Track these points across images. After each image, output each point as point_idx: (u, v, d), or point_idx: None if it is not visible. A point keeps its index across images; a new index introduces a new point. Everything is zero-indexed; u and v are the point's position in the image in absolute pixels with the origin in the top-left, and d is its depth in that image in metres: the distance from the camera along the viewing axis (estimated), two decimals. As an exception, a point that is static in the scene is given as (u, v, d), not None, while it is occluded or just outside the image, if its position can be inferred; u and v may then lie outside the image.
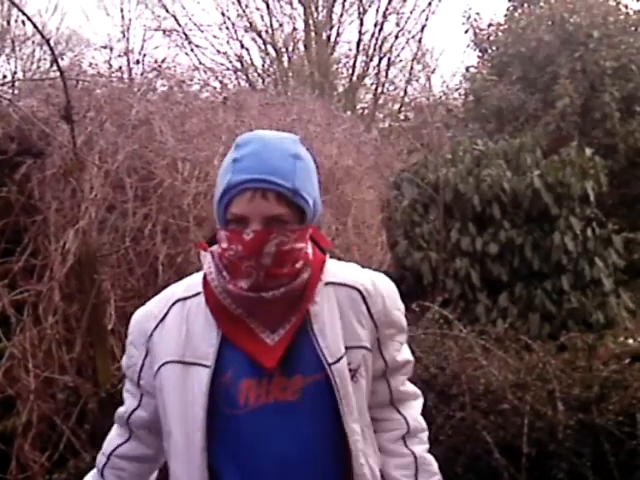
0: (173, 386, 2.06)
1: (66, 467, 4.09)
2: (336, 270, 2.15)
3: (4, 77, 5.69)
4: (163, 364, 2.07)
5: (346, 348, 2.07)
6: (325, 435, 2.07)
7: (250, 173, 1.96)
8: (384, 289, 2.19)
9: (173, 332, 2.08)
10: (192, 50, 19.36)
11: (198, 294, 2.10)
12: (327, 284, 2.10)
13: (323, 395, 2.05)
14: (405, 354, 2.28)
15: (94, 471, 2.31)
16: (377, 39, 18.82)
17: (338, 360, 2.05)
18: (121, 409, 2.26)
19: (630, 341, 6.22)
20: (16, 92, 5.54)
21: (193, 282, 2.15)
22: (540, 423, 4.34)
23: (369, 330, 2.14)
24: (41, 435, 4.03)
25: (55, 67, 5.13)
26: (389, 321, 2.19)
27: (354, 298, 2.13)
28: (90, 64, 6.41)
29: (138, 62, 6.80)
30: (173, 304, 2.12)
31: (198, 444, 2.01)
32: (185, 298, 2.12)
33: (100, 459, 2.27)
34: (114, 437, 2.28)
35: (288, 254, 1.99)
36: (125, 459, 2.24)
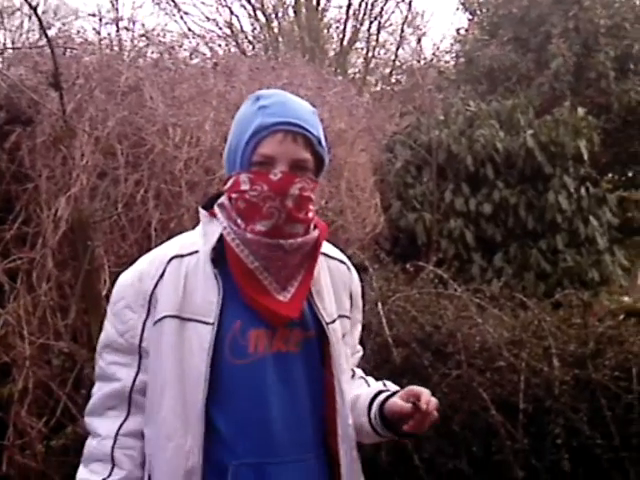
0: (170, 341, 2.05)
1: (64, 433, 4.11)
2: (325, 244, 2.24)
3: (-9, 46, 5.63)
4: (161, 318, 2.06)
5: (338, 316, 2.21)
6: (312, 387, 2.14)
7: (282, 117, 2.05)
8: (356, 275, 2.37)
9: (170, 288, 2.07)
10: (182, 17, 19.29)
11: (195, 252, 2.12)
12: (321, 254, 2.20)
13: (315, 351, 2.15)
14: (359, 346, 2.45)
15: (97, 462, 2.12)
16: (367, 3, 18.77)
17: (333, 321, 2.18)
18: (114, 386, 2.13)
19: (625, 298, 6.24)
20: (4, 61, 5.49)
21: (186, 241, 2.18)
22: (536, 380, 4.36)
23: (349, 305, 2.31)
24: (38, 401, 4.03)
25: (43, 36, 5.08)
26: (358, 305, 2.36)
27: (342, 272, 2.30)
28: (78, 32, 6.37)
29: (127, 29, 6.75)
30: (169, 261, 2.11)
31: (198, 398, 2.02)
32: (181, 255, 2.12)
33: (104, 443, 2.10)
34: (111, 420, 2.13)
35: (306, 201, 2.08)
36: (132, 436, 2.12)
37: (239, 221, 2.09)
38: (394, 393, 2.16)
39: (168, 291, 2.08)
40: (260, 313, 2.08)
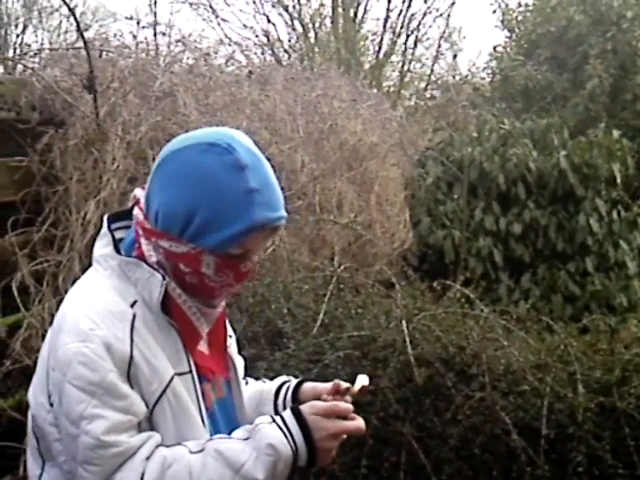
0: (187, 397, 1.95)
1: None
2: None
3: (28, 46, 5.66)
4: (172, 378, 1.91)
5: (230, 336, 2.28)
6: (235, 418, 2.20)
7: (274, 210, 1.89)
8: None
9: (152, 346, 1.89)
10: (219, 24, 19.36)
11: (135, 302, 1.91)
12: None
13: (230, 386, 2.22)
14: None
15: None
16: (405, 16, 18.68)
17: (229, 345, 2.25)
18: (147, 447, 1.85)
19: (653, 325, 6.14)
20: (40, 61, 5.52)
21: (117, 290, 1.93)
22: (560, 405, 4.30)
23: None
24: (58, 406, 4.02)
25: (80, 38, 5.10)
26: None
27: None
28: (114, 35, 6.39)
29: (164, 34, 6.77)
30: (133, 317, 1.89)
31: None
32: (131, 306, 1.91)
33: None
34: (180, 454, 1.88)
35: None
36: None
37: (178, 290, 1.97)
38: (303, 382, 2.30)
39: (151, 350, 1.88)
40: (202, 370, 2.04)
